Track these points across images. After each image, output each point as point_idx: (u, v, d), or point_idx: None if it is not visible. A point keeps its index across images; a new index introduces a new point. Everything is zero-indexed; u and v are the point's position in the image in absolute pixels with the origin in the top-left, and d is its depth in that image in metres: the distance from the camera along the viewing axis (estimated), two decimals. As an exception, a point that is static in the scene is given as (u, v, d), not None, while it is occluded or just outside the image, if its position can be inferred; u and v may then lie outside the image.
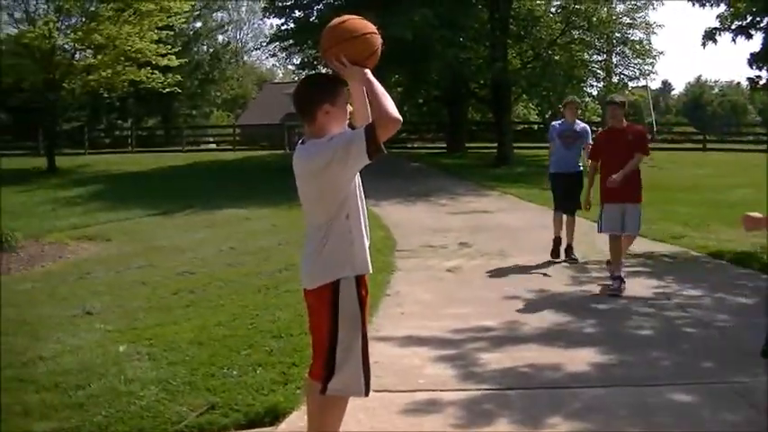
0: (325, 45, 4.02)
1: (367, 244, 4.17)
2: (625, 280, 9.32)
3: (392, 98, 3.91)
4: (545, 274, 10.19)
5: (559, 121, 11.91)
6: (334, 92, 4.04)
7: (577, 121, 11.67)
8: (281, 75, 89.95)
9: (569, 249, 11.48)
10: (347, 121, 4.13)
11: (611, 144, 9.45)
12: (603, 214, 9.44)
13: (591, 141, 11.15)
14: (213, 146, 49.54)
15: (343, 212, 4.03)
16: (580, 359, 6.58)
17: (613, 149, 9.38)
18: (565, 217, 11.58)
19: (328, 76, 4.15)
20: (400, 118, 3.81)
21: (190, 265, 11.77)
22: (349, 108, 4.13)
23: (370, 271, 4.18)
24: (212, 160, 36.28)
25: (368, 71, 3.95)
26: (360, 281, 4.10)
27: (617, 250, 9.37)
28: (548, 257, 11.40)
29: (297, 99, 4.12)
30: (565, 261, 11.28)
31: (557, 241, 11.54)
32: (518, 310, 8.37)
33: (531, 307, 8.55)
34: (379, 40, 4.03)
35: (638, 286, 9.48)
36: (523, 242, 12.93)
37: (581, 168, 11.48)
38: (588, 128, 11.69)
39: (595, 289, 9.40)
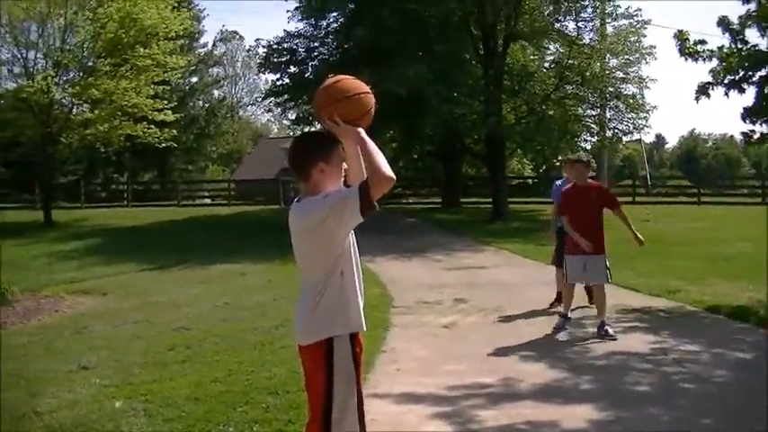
0: (318, 104, 4.08)
1: (361, 302, 4.20)
2: (570, 318, 10.32)
3: (386, 154, 3.97)
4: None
5: (560, 180, 12.12)
6: (328, 150, 4.09)
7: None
8: (276, 130, 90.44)
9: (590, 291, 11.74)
10: (342, 179, 4.17)
11: (577, 200, 10.03)
12: (566, 266, 10.19)
13: None
14: (208, 200, 49.66)
15: (337, 270, 4.06)
16: (578, 416, 6.56)
17: (577, 206, 9.96)
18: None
19: (323, 134, 4.16)
20: (393, 176, 3.84)
21: (186, 321, 11.74)
22: (344, 166, 4.17)
23: (365, 329, 4.20)
24: (208, 215, 36.31)
25: (361, 130, 4.00)
26: (354, 338, 4.12)
27: (569, 295, 10.37)
28: (543, 314, 11.41)
29: (292, 157, 4.17)
30: (587, 306, 11.63)
31: (560, 295, 11.49)
32: (515, 366, 8.36)
33: (528, 363, 8.54)
34: (372, 99, 4.08)
35: (635, 341, 9.48)
36: (519, 298, 12.92)
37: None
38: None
39: (592, 344, 9.39)
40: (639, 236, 9.88)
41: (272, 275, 16.52)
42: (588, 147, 39.50)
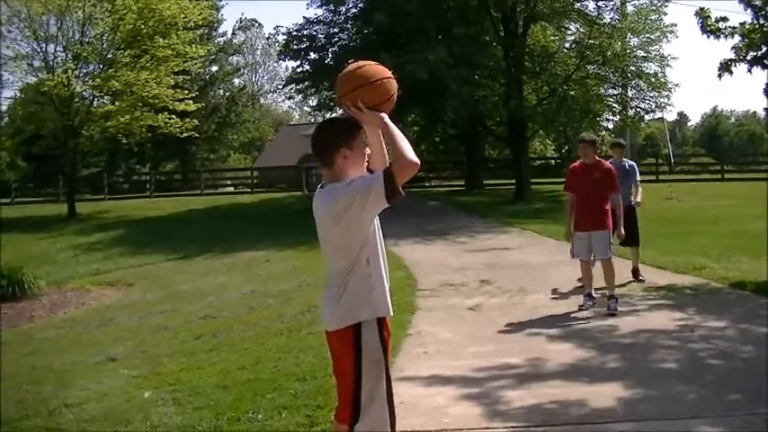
0: (340, 91, 4.08)
1: (387, 287, 4.21)
2: (596, 298, 10.40)
3: (408, 138, 3.96)
4: (568, 310, 10.15)
5: (609, 161, 12.40)
6: (351, 136, 4.08)
7: (624, 159, 12.73)
8: (297, 116, 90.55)
9: (636, 272, 12.42)
10: (366, 165, 4.17)
11: (582, 178, 10.30)
12: (574, 242, 10.41)
13: (639, 178, 12.64)
14: (231, 189, 49.80)
15: (363, 257, 4.06)
16: (605, 394, 6.56)
17: (583, 184, 10.25)
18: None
19: (345, 120, 4.16)
20: (417, 161, 3.84)
21: (211, 309, 11.82)
22: (367, 151, 4.17)
23: (392, 314, 4.21)
24: (230, 203, 36.44)
25: (384, 115, 4.00)
26: (381, 323, 4.13)
27: (587, 273, 10.45)
28: (570, 294, 11.40)
29: (314, 144, 4.17)
30: (633, 281, 12.16)
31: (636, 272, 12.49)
32: (541, 347, 8.35)
33: (554, 343, 8.53)
34: (394, 84, 4.08)
35: (662, 319, 9.46)
36: (544, 278, 12.91)
37: (632, 203, 12.37)
38: (635, 165, 12.88)
39: (619, 322, 9.38)
40: (623, 230, 10.54)
41: (297, 262, 16.58)
42: (610, 126, 39.36)
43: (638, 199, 12.58)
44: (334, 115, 45.03)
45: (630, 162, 12.86)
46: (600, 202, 10.21)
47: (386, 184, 3.82)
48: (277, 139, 72.30)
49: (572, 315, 9.99)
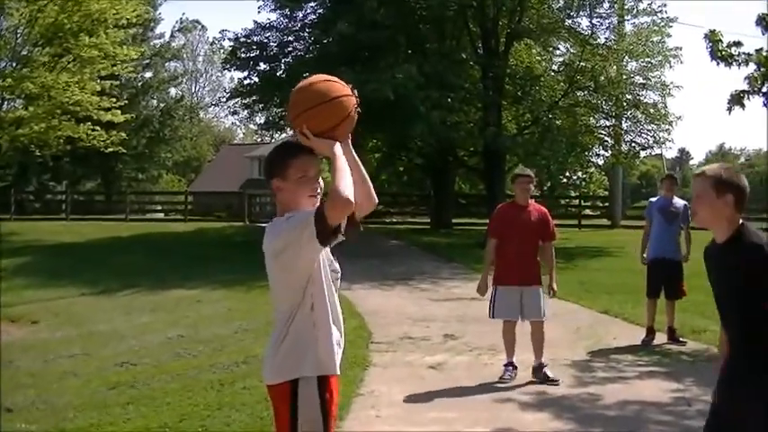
0: (291, 112, 4.10)
1: (337, 340, 4.16)
2: (517, 366, 10.13)
3: (368, 167, 3.99)
4: (545, 375, 10.11)
5: (655, 198, 12.53)
6: (283, 164, 4.14)
7: (676, 198, 12.47)
8: (241, 135, 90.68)
9: (673, 331, 12.30)
10: (317, 195, 4.14)
11: (513, 221, 10.12)
12: (497, 298, 10.16)
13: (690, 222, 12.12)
14: (161, 215, 49.55)
15: (307, 302, 4.05)
16: (584, 475, 6.53)
17: (513, 229, 10.06)
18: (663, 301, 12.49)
19: (287, 144, 4.29)
20: (352, 200, 3.84)
21: (131, 355, 11.68)
22: (319, 182, 4.15)
23: (338, 372, 4.16)
24: (160, 232, 36.19)
25: (335, 145, 4.02)
26: (325, 382, 4.08)
27: (509, 336, 10.22)
28: (549, 354, 11.39)
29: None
30: (671, 344, 12.10)
31: (651, 330, 12.27)
32: (512, 416, 8.33)
33: (528, 411, 8.51)
34: (352, 102, 4.08)
35: (653, 389, 9.47)
36: (519, 335, 12.89)
37: (678, 256, 12.32)
38: (688, 206, 12.25)
39: (603, 391, 9.37)
40: (555, 285, 10.31)
41: (234, 303, 16.45)
42: (600, 162, 39.57)
43: (687, 250, 12.35)
44: (284, 136, 45.15)
45: (682, 201, 12.45)
46: (533, 251, 10.12)
47: (316, 224, 3.82)
48: (217, 159, 72.27)
49: (551, 380, 9.98)
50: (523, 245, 9.97)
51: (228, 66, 38.23)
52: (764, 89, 13.19)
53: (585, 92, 33.51)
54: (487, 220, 33.07)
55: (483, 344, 12.15)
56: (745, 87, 13.40)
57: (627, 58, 33.17)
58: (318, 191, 4.15)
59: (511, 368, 10.10)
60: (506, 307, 10.09)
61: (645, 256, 12.47)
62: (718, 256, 4.51)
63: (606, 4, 33.01)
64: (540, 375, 9.90)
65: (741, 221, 4.43)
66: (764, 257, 4.22)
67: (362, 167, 4.19)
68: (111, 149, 34.14)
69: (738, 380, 4.48)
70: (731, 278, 4.39)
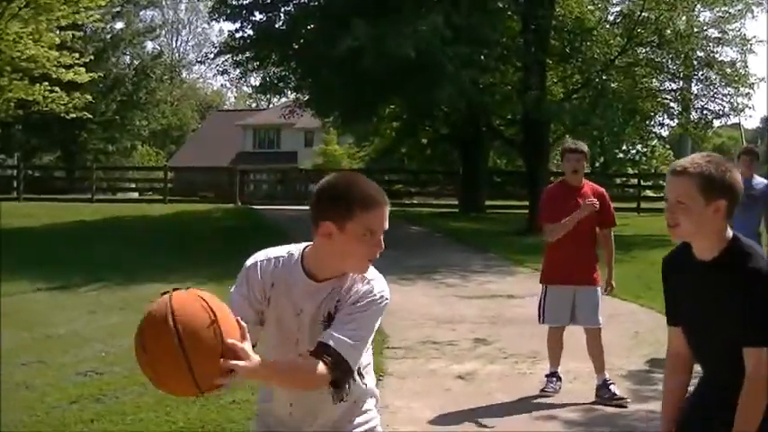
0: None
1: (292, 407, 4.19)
2: (561, 378, 10.11)
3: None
4: (613, 394, 9.99)
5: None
6: (345, 208, 3.98)
7: (756, 177, 12.00)
8: (232, 99, 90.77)
9: None
10: (374, 259, 4.15)
11: (564, 205, 9.77)
12: (547, 300, 10.09)
13: None
14: (135, 195, 49.60)
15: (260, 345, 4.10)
16: None
17: (566, 213, 9.71)
18: None
19: (364, 182, 4.08)
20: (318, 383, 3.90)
21: (97, 363, 11.69)
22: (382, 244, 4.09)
23: None
24: (134, 215, 36.20)
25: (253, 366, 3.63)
26: None
27: (555, 345, 10.22)
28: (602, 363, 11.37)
29: None
30: None
31: None
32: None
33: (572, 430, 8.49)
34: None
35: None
36: (566, 341, 12.87)
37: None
38: None
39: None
40: (613, 282, 10.22)
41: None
42: (664, 132, 39.40)
43: None
44: (283, 100, 45.13)
45: (765, 181, 12.11)
46: (590, 241, 9.93)
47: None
48: (203, 129, 72.56)
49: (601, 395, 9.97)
50: (578, 234, 9.67)
51: (217, 15, 38.06)
52: None
53: (648, 48, 33.41)
54: (527, 202, 33.35)
55: (521, 350, 12.15)
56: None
57: (699, 6, 32.97)
58: (378, 255, 4.09)
59: (555, 380, 10.06)
60: (556, 310, 10.00)
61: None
62: (699, 274, 4.24)
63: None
64: (605, 394, 9.67)
65: (732, 234, 4.21)
66: (763, 288, 4.01)
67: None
68: (73, 115, 34.18)
69: (712, 418, 4.25)
70: (720, 307, 4.14)
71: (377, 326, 4.03)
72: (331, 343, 3.80)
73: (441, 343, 12.73)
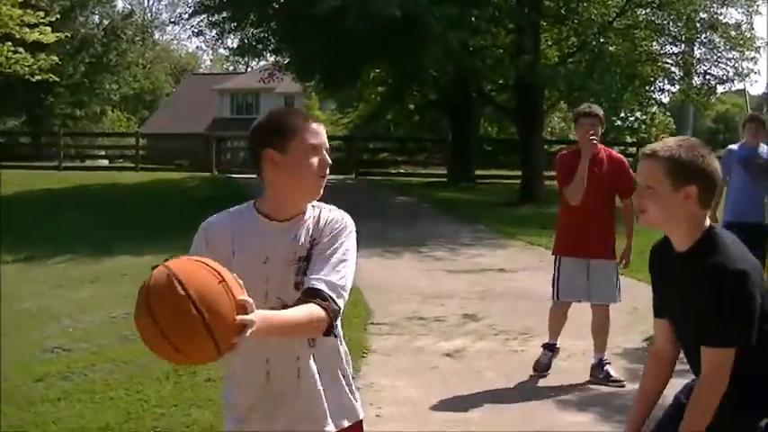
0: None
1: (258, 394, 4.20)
2: (558, 349, 10.05)
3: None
4: (608, 374, 9.99)
5: (736, 144, 12.16)
6: (283, 130, 4.16)
7: (763, 146, 11.99)
8: (208, 62, 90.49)
9: None
10: (325, 176, 4.21)
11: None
12: (561, 274, 9.88)
13: None
14: (105, 162, 49.45)
15: None
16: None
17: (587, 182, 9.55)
18: None
19: (289, 109, 4.40)
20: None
21: (64, 339, 11.70)
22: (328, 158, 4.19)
23: None
24: (104, 183, 36.08)
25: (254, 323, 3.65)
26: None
27: (558, 321, 10.05)
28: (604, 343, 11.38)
29: None
30: None
31: None
32: (548, 416, 8.34)
33: (570, 413, 8.53)
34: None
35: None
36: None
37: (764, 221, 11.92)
38: None
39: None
40: (631, 256, 9.95)
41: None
42: (665, 99, 39.38)
43: None
44: (262, 63, 44.99)
45: None
46: (607, 212, 9.79)
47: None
48: (177, 93, 72.29)
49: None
50: (594, 204, 9.53)
51: (192, -29, 38.03)
52: None
53: (648, 9, 33.34)
54: (519, 172, 33.26)
55: (512, 326, 12.18)
56: None
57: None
58: (327, 171, 4.17)
59: (550, 352, 10.00)
60: (571, 285, 9.81)
61: (719, 218, 12.20)
62: (677, 266, 4.22)
63: None
64: (599, 374, 9.65)
65: (709, 225, 4.15)
66: (729, 285, 3.93)
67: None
68: (38, 78, 34.00)
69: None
70: (693, 301, 4.10)
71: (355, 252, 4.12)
72: (322, 287, 3.88)
73: (427, 319, 12.75)
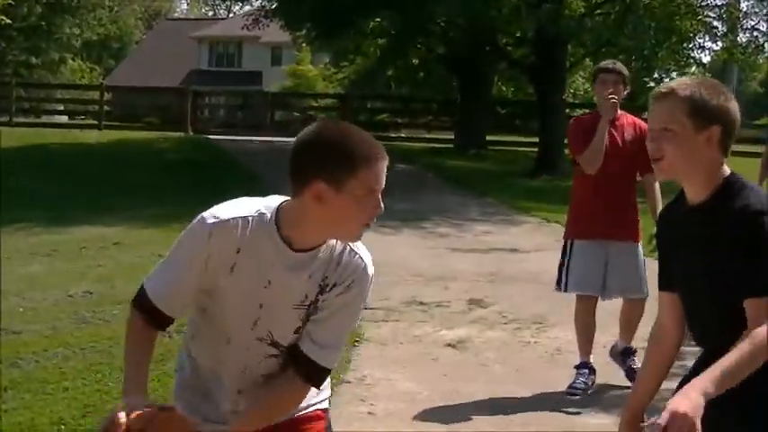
0: None
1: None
2: (595, 370, 9.34)
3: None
4: (630, 367, 9.94)
5: None
6: (342, 163, 3.88)
7: None
8: (185, 6, 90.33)
9: None
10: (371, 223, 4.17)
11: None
12: (573, 258, 9.45)
13: None
14: (65, 118, 49.38)
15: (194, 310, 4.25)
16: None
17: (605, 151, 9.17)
18: None
19: (357, 131, 4.03)
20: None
21: (13, 319, 11.70)
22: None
23: None
24: (62, 143, 36.13)
25: None
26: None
27: (587, 321, 9.40)
28: (616, 333, 11.36)
29: None
30: None
31: None
32: (564, 420, 8.36)
33: (588, 414, 8.55)
34: None
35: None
36: (570, 307, 12.90)
37: None
38: None
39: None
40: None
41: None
42: (705, 58, 39.36)
43: None
44: (246, 8, 44.96)
45: None
46: (628, 187, 9.44)
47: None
48: (148, 41, 72.26)
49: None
50: (614, 177, 9.12)
51: None
52: None
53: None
54: (537, 139, 33.34)
55: (524, 314, 12.21)
56: None
57: None
58: (375, 219, 4.07)
59: (587, 372, 9.25)
60: (585, 272, 9.27)
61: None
62: (689, 224, 4.13)
63: None
64: (622, 362, 9.43)
65: (729, 170, 4.06)
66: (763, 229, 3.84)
67: None
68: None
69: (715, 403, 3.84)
70: (715, 257, 3.99)
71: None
72: (318, 360, 3.90)
73: (428, 304, 12.79)
